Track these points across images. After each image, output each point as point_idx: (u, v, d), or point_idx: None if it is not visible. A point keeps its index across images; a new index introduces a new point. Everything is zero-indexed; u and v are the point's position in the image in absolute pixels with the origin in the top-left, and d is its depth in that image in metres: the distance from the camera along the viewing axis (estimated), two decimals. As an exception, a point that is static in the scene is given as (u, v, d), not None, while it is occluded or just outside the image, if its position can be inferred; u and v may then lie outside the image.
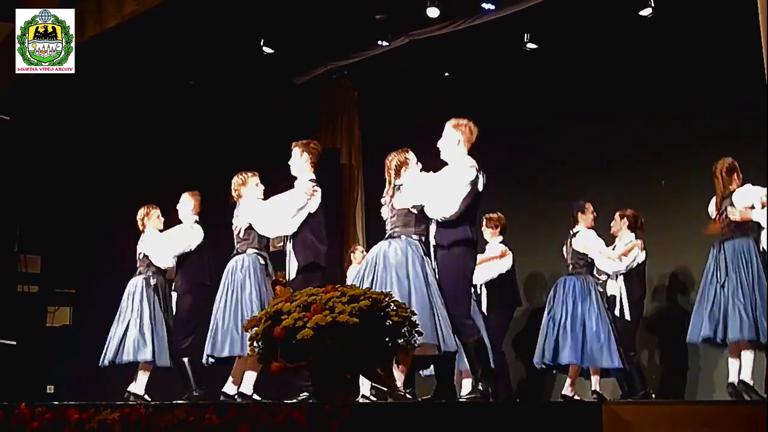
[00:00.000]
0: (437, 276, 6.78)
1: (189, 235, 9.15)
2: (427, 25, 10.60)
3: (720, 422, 5.02)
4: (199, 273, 9.06)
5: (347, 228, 12.46)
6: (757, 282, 7.70)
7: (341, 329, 5.16)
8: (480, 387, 6.62)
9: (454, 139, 6.83)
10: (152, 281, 9.32)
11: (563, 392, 8.98)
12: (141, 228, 9.43)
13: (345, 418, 4.59)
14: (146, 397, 9.08)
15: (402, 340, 5.51)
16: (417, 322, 5.65)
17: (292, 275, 7.81)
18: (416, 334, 5.60)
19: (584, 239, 9.10)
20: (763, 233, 7.77)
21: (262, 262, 8.32)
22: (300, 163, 8.02)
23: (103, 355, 9.26)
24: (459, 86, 11.31)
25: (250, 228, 8.33)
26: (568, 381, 8.98)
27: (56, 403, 6.86)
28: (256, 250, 8.33)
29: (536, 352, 9.04)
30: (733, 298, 7.75)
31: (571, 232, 9.15)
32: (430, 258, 6.85)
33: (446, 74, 11.63)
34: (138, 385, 9.17)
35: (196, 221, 9.18)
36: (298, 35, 11.03)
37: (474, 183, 6.68)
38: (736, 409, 5.36)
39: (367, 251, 10.44)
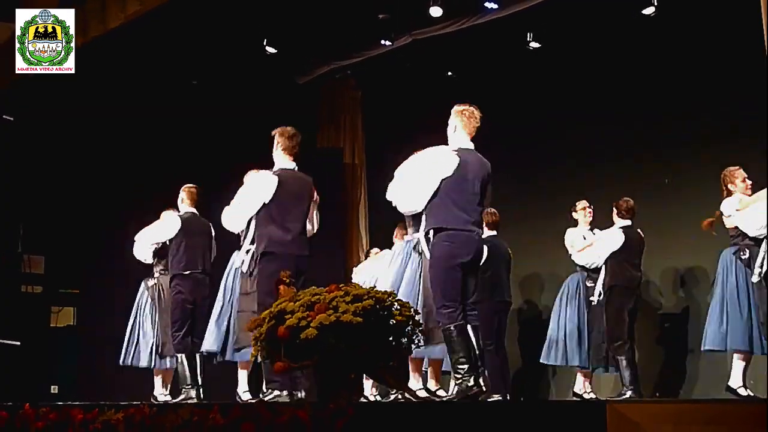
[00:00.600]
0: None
1: (162, 225, 9.13)
2: (430, 25, 10.61)
3: (723, 420, 5.03)
4: (178, 264, 8.90)
5: (350, 227, 12.49)
6: (735, 290, 7.83)
7: (345, 329, 5.16)
8: (459, 374, 6.30)
9: (452, 126, 6.64)
10: (150, 282, 9.35)
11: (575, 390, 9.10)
12: None
13: (349, 417, 4.60)
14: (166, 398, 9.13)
15: (405, 339, 5.51)
16: (421, 321, 5.66)
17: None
18: (420, 334, 5.61)
19: (566, 237, 9.33)
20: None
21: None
22: (274, 151, 7.61)
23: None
24: (462, 85, 11.31)
25: None
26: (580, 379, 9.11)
27: (60, 403, 6.89)
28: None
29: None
30: (711, 309, 7.97)
31: None
32: (418, 253, 6.91)
33: (449, 73, 11.64)
34: (156, 389, 9.26)
35: (186, 213, 9.09)
36: (301, 35, 11.04)
37: (438, 168, 6.44)
38: (739, 407, 5.36)
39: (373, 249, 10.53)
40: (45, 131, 11.82)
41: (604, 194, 9.48)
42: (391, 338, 5.43)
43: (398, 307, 5.49)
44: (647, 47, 10.00)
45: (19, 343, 11.44)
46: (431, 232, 6.40)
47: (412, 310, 5.59)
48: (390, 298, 5.49)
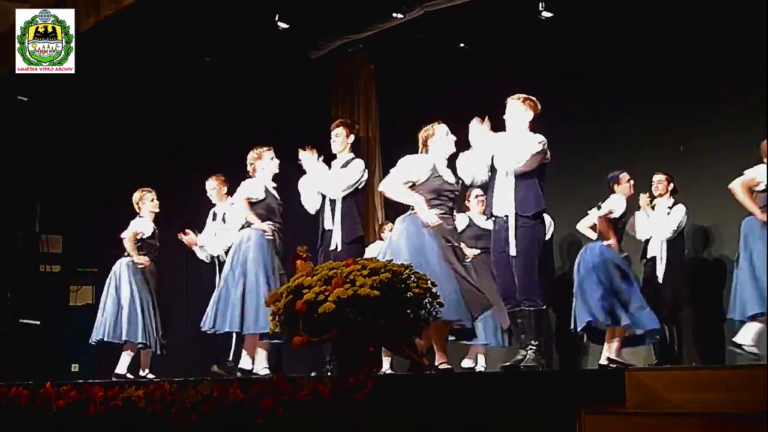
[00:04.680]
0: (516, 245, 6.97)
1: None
2: (441, -4, 10.57)
3: (742, 386, 5.03)
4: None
5: (366, 201, 12.47)
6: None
7: (363, 302, 5.18)
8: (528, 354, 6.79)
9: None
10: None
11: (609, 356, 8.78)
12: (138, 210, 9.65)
13: (368, 391, 4.61)
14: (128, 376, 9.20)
15: (423, 311, 5.52)
16: (438, 293, 5.67)
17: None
18: (437, 306, 5.63)
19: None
20: None
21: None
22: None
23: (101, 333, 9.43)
24: (474, 56, 11.26)
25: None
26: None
27: (81, 381, 6.93)
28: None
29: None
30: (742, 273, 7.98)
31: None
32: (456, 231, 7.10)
33: (461, 45, 11.58)
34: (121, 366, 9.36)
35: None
36: (313, 10, 11.00)
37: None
38: (757, 373, 5.36)
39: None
40: (60, 111, 11.84)
41: (621, 161, 9.43)
42: (408, 311, 5.44)
43: (415, 280, 5.50)
44: (662, 14, 9.92)
45: (38, 322, 11.52)
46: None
47: (429, 282, 5.60)
48: (407, 271, 5.50)
